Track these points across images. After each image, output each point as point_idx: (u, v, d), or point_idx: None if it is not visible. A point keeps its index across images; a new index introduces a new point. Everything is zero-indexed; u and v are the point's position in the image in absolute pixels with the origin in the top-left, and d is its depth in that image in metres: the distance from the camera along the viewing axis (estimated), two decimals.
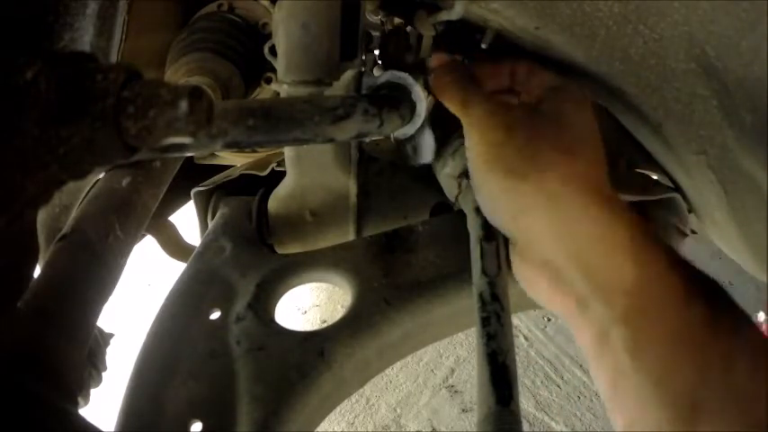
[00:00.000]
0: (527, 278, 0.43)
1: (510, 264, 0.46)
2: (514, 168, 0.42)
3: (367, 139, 0.67)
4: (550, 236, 0.39)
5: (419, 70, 0.54)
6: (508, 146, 0.42)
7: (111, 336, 0.68)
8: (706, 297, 0.33)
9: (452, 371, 2.00)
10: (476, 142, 0.45)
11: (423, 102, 0.50)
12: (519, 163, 0.41)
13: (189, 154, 0.51)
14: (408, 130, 0.51)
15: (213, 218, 0.76)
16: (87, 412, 0.45)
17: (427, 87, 0.53)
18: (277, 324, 0.58)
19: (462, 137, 0.50)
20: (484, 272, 0.47)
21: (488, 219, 0.47)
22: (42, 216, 0.65)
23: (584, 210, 0.39)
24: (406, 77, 0.50)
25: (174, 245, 1.02)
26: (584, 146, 0.43)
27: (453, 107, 0.48)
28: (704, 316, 0.32)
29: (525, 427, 1.75)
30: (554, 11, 0.43)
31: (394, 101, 0.49)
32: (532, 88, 0.50)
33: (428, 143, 0.55)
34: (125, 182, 0.65)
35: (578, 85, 0.49)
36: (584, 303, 0.37)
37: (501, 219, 0.45)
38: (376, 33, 0.74)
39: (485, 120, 0.45)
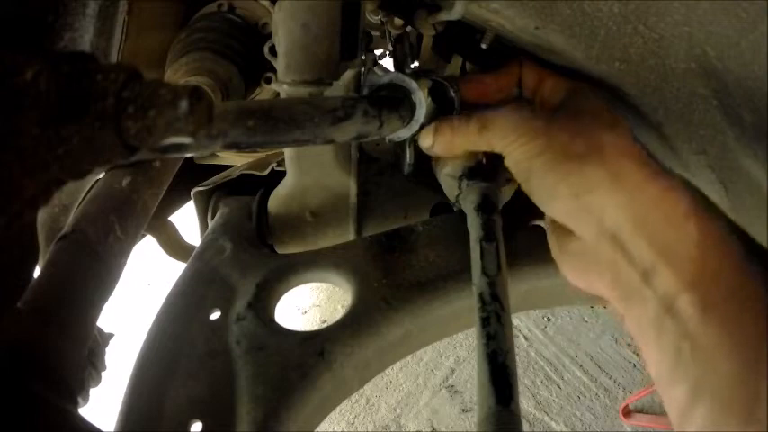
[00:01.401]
0: (582, 262, 0.44)
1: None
2: (570, 149, 0.43)
3: (367, 140, 0.67)
4: (618, 209, 0.41)
5: (424, 76, 0.54)
6: (553, 129, 0.44)
7: (110, 336, 0.68)
8: (760, 257, 0.35)
9: (452, 371, 2.00)
10: (513, 142, 0.45)
11: (423, 107, 0.50)
12: (572, 143, 0.43)
13: (189, 154, 0.50)
14: (404, 134, 0.51)
15: (213, 218, 0.76)
16: (87, 412, 0.45)
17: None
18: (277, 324, 0.58)
19: None
20: (484, 272, 0.47)
21: (544, 209, 0.46)
22: (42, 216, 0.65)
23: (646, 181, 0.40)
24: (409, 81, 0.50)
25: (174, 245, 1.02)
26: (620, 128, 0.44)
27: (473, 138, 0.48)
28: (763, 277, 0.34)
29: (525, 427, 1.75)
30: (554, 11, 0.43)
31: (394, 102, 0.49)
32: (546, 94, 0.50)
33: (406, 159, 0.56)
34: (125, 182, 0.65)
35: (593, 87, 0.49)
36: (650, 273, 0.38)
37: (561, 203, 0.44)
38: (376, 33, 0.74)
39: (512, 119, 0.45)
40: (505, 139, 0.46)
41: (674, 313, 0.36)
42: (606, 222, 0.41)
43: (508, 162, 0.46)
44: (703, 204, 0.39)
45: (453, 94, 0.52)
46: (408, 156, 0.56)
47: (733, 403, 0.32)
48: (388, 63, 1.76)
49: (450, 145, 0.51)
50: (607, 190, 0.41)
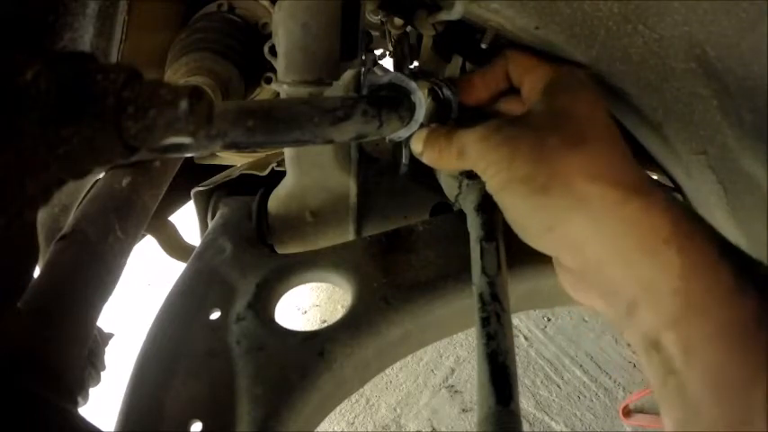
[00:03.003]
0: (577, 281, 0.41)
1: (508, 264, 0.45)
2: (533, 181, 0.39)
3: (366, 140, 0.67)
4: (590, 241, 0.37)
5: (424, 77, 0.54)
6: (516, 159, 0.40)
7: (110, 336, 0.68)
8: (757, 287, 0.31)
9: (452, 371, 2.00)
10: (484, 171, 0.43)
11: (422, 107, 0.50)
12: (535, 174, 0.39)
13: (189, 154, 0.50)
14: (403, 134, 0.51)
15: (213, 218, 0.76)
16: (87, 412, 0.45)
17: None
18: (277, 324, 0.58)
19: None
20: (484, 272, 0.47)
21: (524, 239, 0.44)
22: (42, 216, 0.65)
23: (617, 205, 0.36)
24: (408, 81, 0.50)
25: (174, 245, 1.02)
26: (595, 132, 0.40)
27: (455, 162, 0.46)
28: (755, 307, 0.30)
29: (525, 427, 1.75)
30: (554, 11, 0.43)
31: (393, 102, 0.49)
32: (527, 90, 0.48)
33: (402, 159, 0.56)
34: (125, 182, 0.65)
35: (574, 70, 0.46)
36: (633, 308, 0.36)
37: (536, 237, 0.42)
38: (376, 33, 0.74)
39: (481, 146, 0.43)
40: (477, 167, 0.44)
41: (659, 349, 0.34)
42: (586, 252, 0.38)
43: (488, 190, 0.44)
44: (689, 221, 0.35)
45: (451, 96, 0.52)
46: (405, 156, 0.56)
47: None
48: (388, 63, 1.76)
49: (437, 163, 0.49)
50: (579, 219, 0.38)
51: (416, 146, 0.50)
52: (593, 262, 0.38)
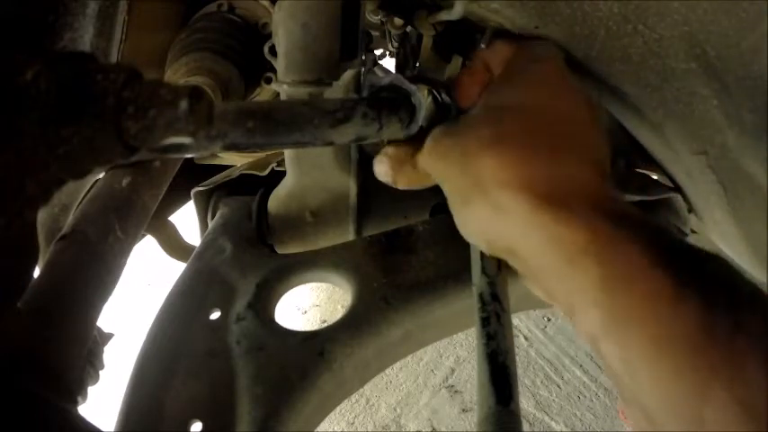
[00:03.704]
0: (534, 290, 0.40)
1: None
2: (459, 194, 0.38)
3: (366, 142, 0.67)
4: (521, 251, 0.35)
5: (424, 81, 0.54)
6: (449, 170, 0.39)
7: (110, 336, 0.68)
8: (702, 292, 0.28)
9: (452, 371, 2.00)
10: (441, 186, 0.42)
11: (422, 109, 0.50)
12: (461, 185, 0.38)
13: (189, 155, 0.50)
14: (402, 136, 0.51)
15: (213, 218, 0.76)
16: (87, 412, 0.45)
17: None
18: (277, 324, 0.58)
19: None
20: (484, 272, 0.47)
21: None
22: (42, 216, 0.65)
23: (533, 213, 0.33)
24: (408, 83, 0.50)
25: (174, 245, 1.02)
26: (514, 126, 0.37)
27: (415, 178, 0.45)
28: (699, 317, 0.27)
29: (525, 427, 1.75)
30: (554, 11, 0.43)
31: (393, 104, 0.49)
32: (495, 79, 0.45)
33: None
34: (125, 182, 0.65)
35: (533, 47, 0.44)
36: (570, 314, 0.33)
37: (485, 248, 0.40)
38: (376, 33, 0.74)
39: (428, 160, 0.42)
40: (430, 179, 0.43)
41: (602, 353, 0.31)
42: (522, 262, 0.36)
43: None
44: (614, 228, 0.31)
45: (450, 100, 0.52)
46: None
47: None
48: (387, 63, 1.76)
49: (399, 181, 0.46)
50: (503, 230, 0.35)
51: (379, 165, 0.47)
52: (530, 270, 0.36)
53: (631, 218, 0.32)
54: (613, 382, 0.32)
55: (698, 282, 0.28)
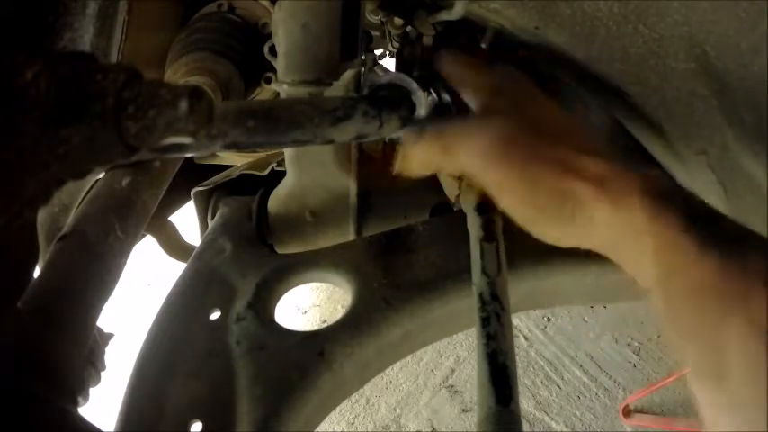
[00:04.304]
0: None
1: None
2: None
3: (367, 141, 0.67)
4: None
5: (425, 81, 0.54)
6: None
7: (110, 336, 0.68)
8: (719, 245, 0.34)
9: (452, 371, 2.00)
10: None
11: (423, 107, 0.50)
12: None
13: (189, 154, 0.51)
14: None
15: (213, 218, 0.76)
16: (87, 412, 0.45)
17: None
18: (277, 324, 0.58)
19: None
20: (484, 272, 0.47)
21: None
22: (42, 216, 0.65)
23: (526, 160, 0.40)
24: (410, 81, 0.50)
25: (174, 245, 1.02)
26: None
27: (451, 162, 0.45)
28: (716, 264, 0.33)
29: (525, 427, 1.75)
30: (554, 11, 0.43)
31: (394, 102, 0.49)
32: (472, 89, 0.47)
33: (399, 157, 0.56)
34: (125, 182, 0.65)
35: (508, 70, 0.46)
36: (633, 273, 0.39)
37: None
38: (376, 33, 0.74)
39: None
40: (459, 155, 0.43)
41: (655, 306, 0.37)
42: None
43: None
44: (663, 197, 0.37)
45: (449, 100, 0.52)
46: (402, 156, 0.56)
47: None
48: (387, 63, 1.76)
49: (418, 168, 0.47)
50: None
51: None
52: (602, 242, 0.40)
53: (667, 190, 0.38)
54: (665, 322, 0.36)
55: (716, 236, 0.34)
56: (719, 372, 0.31)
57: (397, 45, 0.71)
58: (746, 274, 0.32)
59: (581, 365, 1.96)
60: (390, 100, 0.49)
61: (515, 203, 0.43)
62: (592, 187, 0.39)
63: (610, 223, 0.39)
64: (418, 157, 0.47)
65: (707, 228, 0.35)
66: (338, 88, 0.55)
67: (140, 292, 2.23)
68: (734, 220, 0.36)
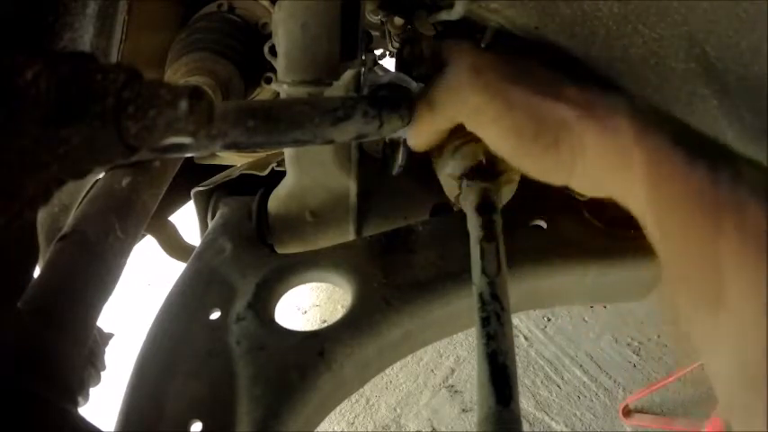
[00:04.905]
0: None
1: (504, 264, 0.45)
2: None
3: (367, 140, 0.67)
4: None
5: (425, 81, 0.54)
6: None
7: (110, 336, 0.68)
8: (708, 160, 0.33)
9: (452, 371, 2.00)
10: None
11: None
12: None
13: (189, 154, 0.51)
14: (403, 134, 0.51)
15: (213, 218, 0.76)
16: (87, 412, 0.45)
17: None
18: (277, 324, 0.58)
19: (461, 137, 0.50)
20: (484, 272, 0.47)
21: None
22: (42, 216, 0.65)
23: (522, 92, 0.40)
24: (409, 81, 0.50)
25: (174, 245, 1.02)
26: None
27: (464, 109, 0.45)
28: (706, 174, 0.32)
29: (525, 427, 1.75)
30: (554, 11, 0.43)
31: (394, 102, 0.49)
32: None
33: (398, 161, 0.56)
34: (125, 182, 0.65)
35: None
36: (623, 201, 0.39)
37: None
38: (376, 33, 0.74)
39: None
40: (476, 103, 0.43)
41: (648, 228, 0.37)
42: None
43: None
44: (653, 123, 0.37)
45: None
46: (400, 157, 0.56)
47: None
48: (387, 63, 1.76)
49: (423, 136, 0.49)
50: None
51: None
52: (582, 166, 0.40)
53: (654, 111, 0.38)
54: (659, 253, 0.36)
55: (704, 148, 0.34)
56: (716, 295, 0.29)
57: (396, 45, 0.71)
58: (738, 184, 0.31)
59: (581, 365, 1.96)
60: (390, 100, 0.49)
61: (498, 133, 0.42)
62: (577, 110, 0.38)
63: (596, 145, 0.38)
64: (418, 129, 0.48)
65: (695, 142, 0.35)
66: (338, 88, 0.55)
67: (140, 292, 2.23)
68: (720, 143, 0.36)
